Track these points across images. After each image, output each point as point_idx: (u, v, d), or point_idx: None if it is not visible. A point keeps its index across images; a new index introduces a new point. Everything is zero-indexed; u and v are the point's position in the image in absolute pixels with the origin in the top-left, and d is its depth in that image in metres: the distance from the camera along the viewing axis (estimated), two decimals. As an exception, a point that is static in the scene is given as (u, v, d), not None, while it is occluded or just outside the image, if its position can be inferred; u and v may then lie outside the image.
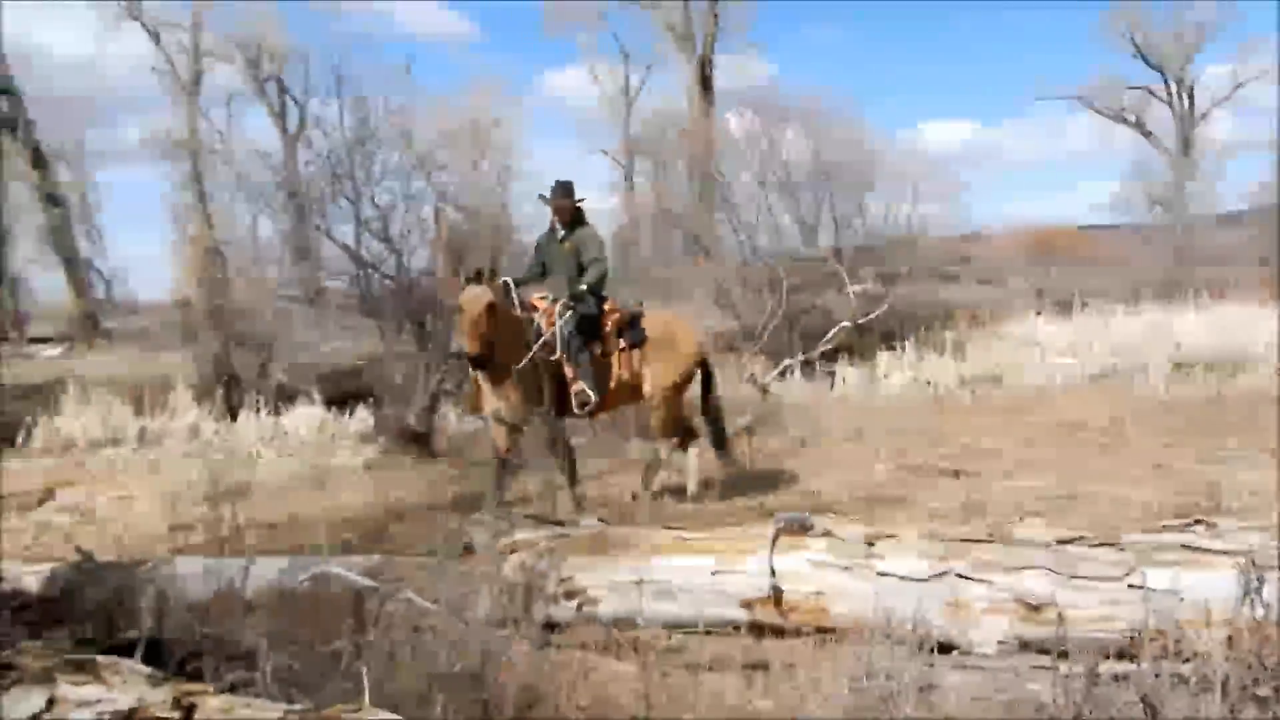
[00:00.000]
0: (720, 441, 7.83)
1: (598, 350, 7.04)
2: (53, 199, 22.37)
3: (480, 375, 6.63)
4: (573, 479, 6.92)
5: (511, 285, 6.91)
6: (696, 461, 7.57)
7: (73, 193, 23.12)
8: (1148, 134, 31.02)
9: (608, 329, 7.14)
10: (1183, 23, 30.55)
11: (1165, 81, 30.95)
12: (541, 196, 7.33)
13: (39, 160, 22.33)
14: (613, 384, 7.10)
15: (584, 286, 6.95)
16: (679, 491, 7.40)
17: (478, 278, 6.55)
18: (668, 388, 7.36)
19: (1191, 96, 30.71)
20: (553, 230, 7.26)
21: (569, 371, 6.88)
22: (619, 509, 6.47)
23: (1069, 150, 57.04)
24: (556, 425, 6.92)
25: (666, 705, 3.18)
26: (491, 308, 6.39)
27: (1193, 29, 30.50)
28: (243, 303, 12.70)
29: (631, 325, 7.26)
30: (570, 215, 7.16)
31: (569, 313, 6.92)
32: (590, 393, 6.89)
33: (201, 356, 13.82)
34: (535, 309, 6.98)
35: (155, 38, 22.44)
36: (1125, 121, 31.56)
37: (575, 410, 6.96)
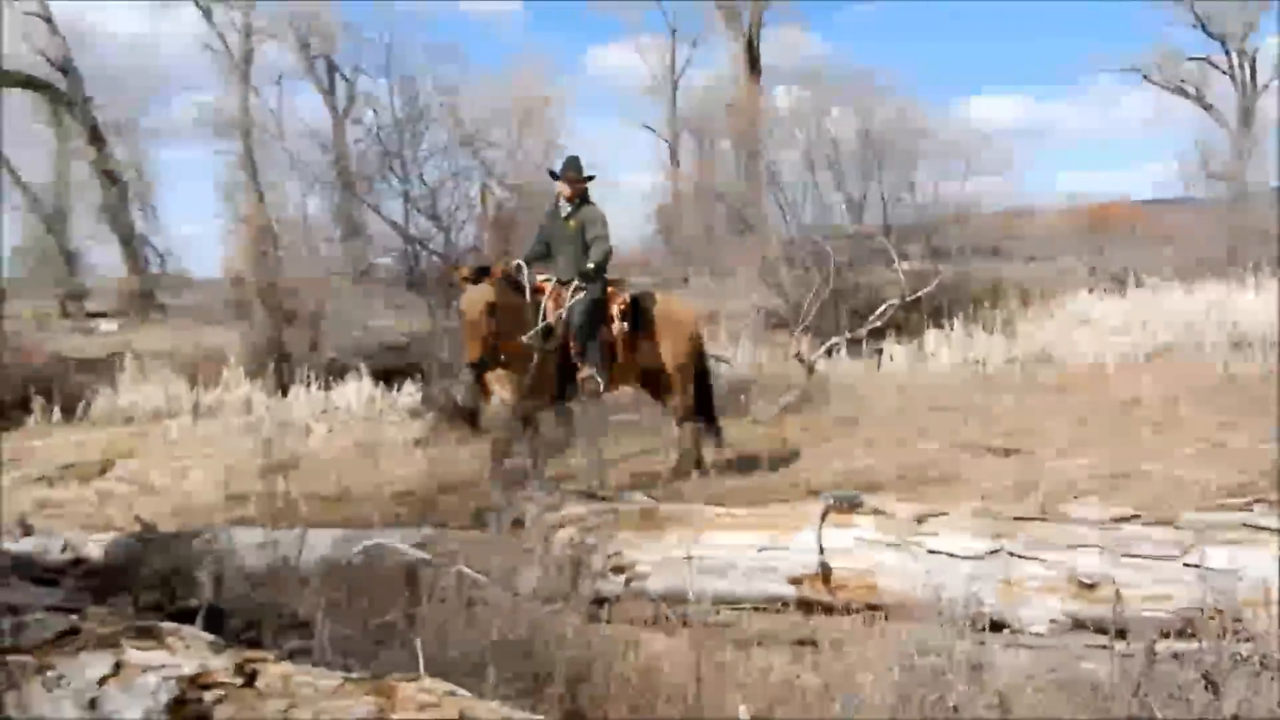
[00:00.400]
0: (710, 420, 7.74)
1: (604, 334, 6.94)
2: (110, 176, 22.77)
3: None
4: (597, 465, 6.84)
5: (524, 267, 6.83)
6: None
7: (129, 170, 23.48)
8: (1208, 107, 30.22)
9: (612, 312, 7.04)
10: (1245, -10, 29.65)
11: (1226, 52, 30.09)
12: (551, 172, 7.28)
13: (96, 137, 22.72)
14: (615, 368, 7.03)
15: (592, 265, 6.84)
16: (725, 469, 7.40)
17: (477, 276, 6.40)
18: (683, 368, 7.35)
19: (1254, 67, 29.85)
20: (557, 208, 7.14)
21: (575, 356, 6.79)
22: (666, 486, 6.50)
23: (1125, 123, 55.81)
24: (563, 411, 7.10)
25: (715, 680, 3.20)
26: (491, 308, 6.26)
27: (1255, -2, 29.58)
28: (294, 279, 12.86)
29: (634, 307, 7.17)
30: (578, 193, 7.05)
31: (579, 295, 6.81)
32: (599, 379, 6.81)
33: (254, 332, 14.05)
34: (541, 291, 6.83)
35: (208, 15, 22.68)
36: (1184, 94, 30.74)
37: (583, 396, 6.89)
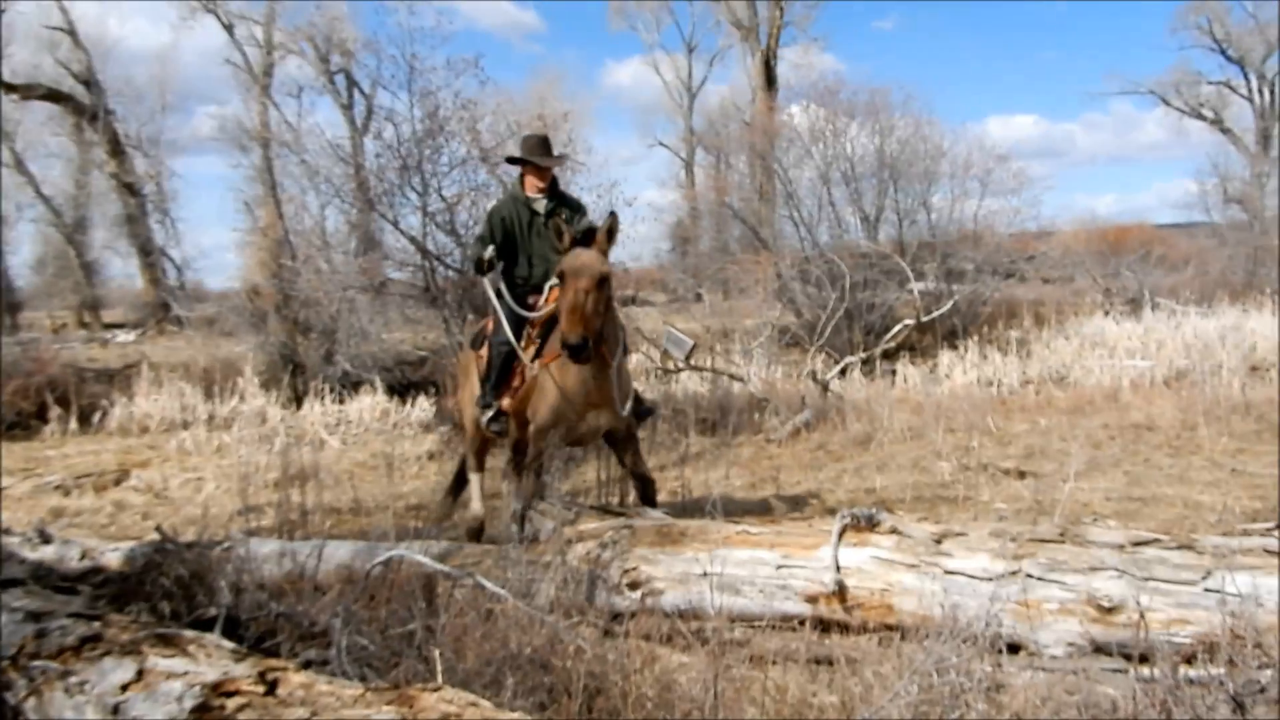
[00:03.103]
0: None
1: None
2: (129, 188, 22.97)
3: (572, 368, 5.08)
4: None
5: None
6: None
7: (148, 182, 23.68)
8: (1226, 131, 30.21)
9: None
10: (1264, 16, 29.69)
11: (1245, 76, 30.11)
12: (512, 159, 6.09)
13: (117, 150, 22.94)
14: None
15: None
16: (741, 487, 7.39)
17: (586, 239, 5.08)
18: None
19: (1273, 92, 29.84)
20: (522, 201, 5.85)
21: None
22: (682, 502, 6.50)
23: (1143, 146, 55.85)
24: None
25: (731, 698, 3.19)
26: (605, 281, 5.00)
27: (1275, 22, 29.60)
28: (310, 292, 12.92)
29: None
30: (549, 181, 5.88)
31: None
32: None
33: (269, 344, 14.12)
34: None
35: (229, 30, 22.91)
36: (1202, 117, 30.77)
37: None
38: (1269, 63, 29.81)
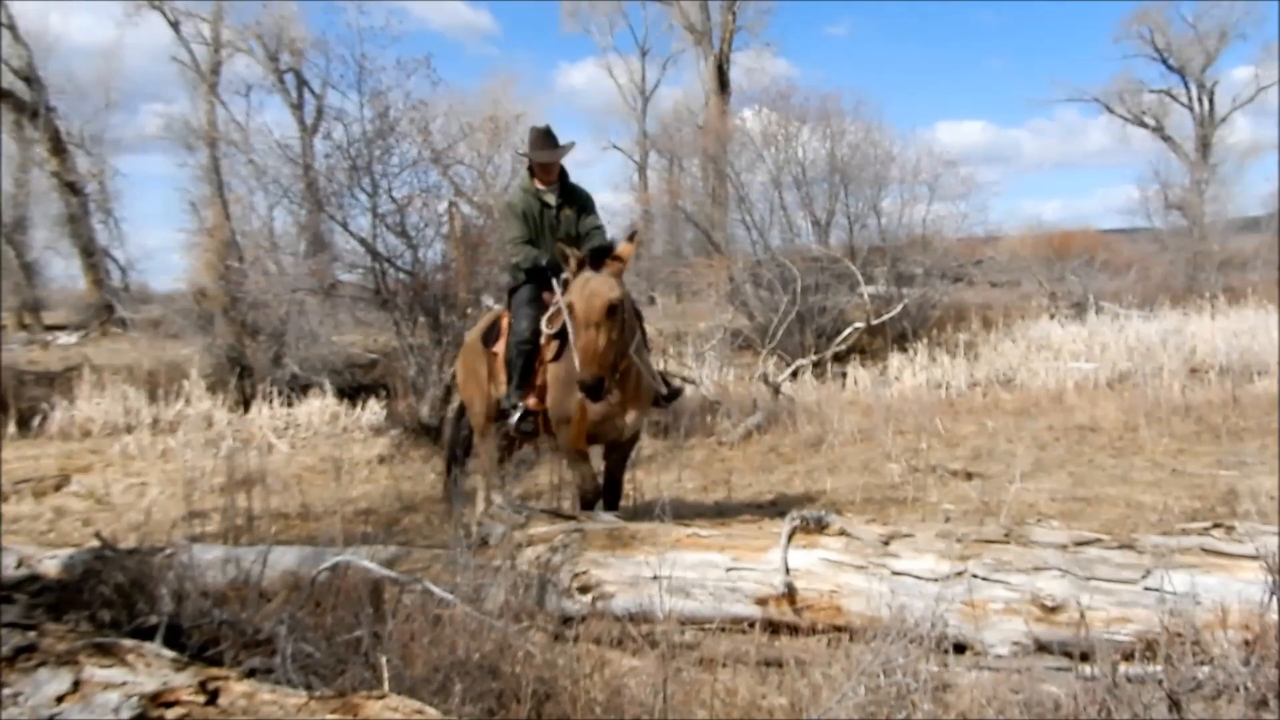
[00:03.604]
0: None
1: None
2: (71, 187, 22.47)
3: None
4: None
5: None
6: None
7: (91, 181, 23.19)
8: (1167, 138, 30.91)
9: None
10: (1204, 26, 30.46)
11: (1185, 85, 30.85)
12: (521, 153, 5.87)
13: (58, 147, 22.43)
14: None
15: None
16: (692, 490, 7.41)
17: (595, 260, 4.85)
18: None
19: (1212, 100, 30.60)
20: (533, 192, 5.76)
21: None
22: (634, 505, 6.49)
23: (1087, 152, 56.98)
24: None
25: (681, 701, 3.19)
26: (616, 309, 4.79)
27: (1214, 33, 30.40)
28: (258, 294, 12.74)
29: None
30: (558, 172, 5.79)
31: None
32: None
33: (216, 346, 13.90)
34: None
35: (175, 27, 22.49)
36: (1144, 125, 31.46)
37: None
38: (1208, 72, 30.60)
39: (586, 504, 5.32)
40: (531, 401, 5.54)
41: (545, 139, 5.70)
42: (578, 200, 5.77)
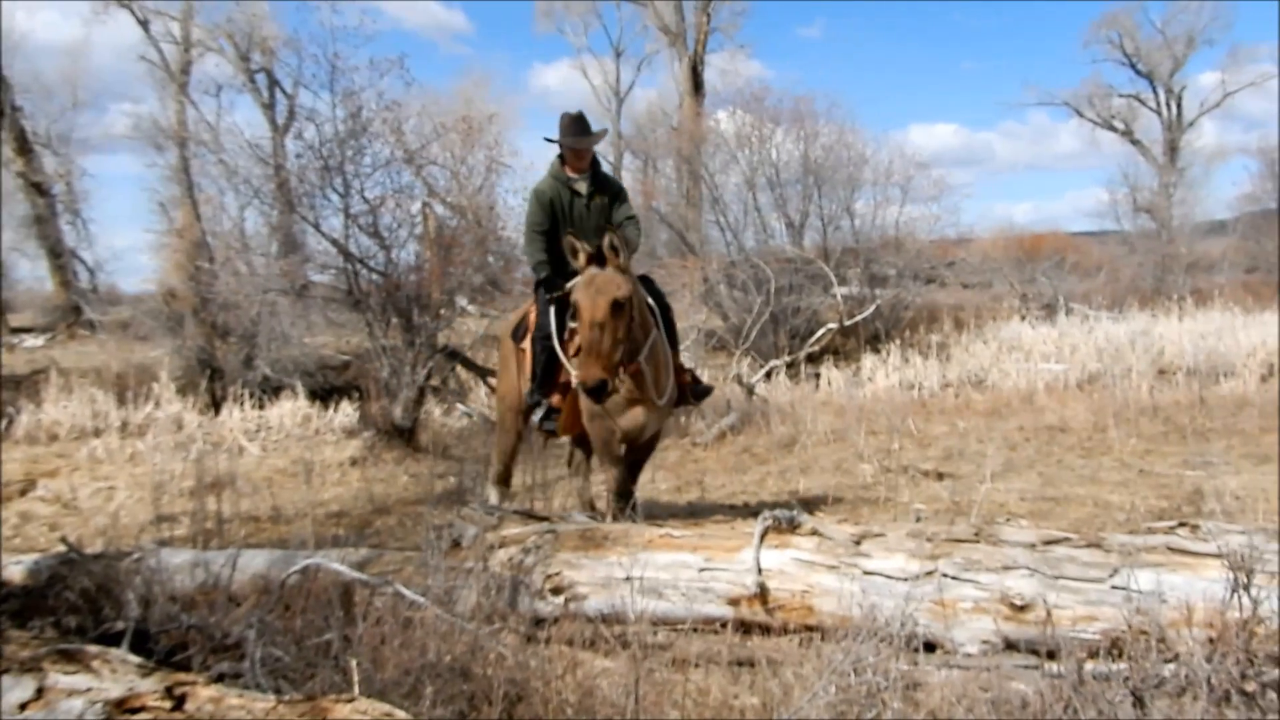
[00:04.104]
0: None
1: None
2: (38, 187, 22.18)
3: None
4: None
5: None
6: None
7: (58, 181, 22.91)
8: (1136, 142, 31.28)
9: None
10: (1171, 31, 30.85)
11: (1154, 90, 31.24)
12: (550, 139, 5.58)
13: (24, 147, 22.13)
14: None
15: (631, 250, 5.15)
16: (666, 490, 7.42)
17: (599, 256, 4.78)
18: None
19: (1180, 105, 31.00)
20: (563, 180, 5.53)
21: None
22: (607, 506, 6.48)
23: (1058, 155, 57.59)
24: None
25: (653, 701, 3.19)
26: (622, 306, 4.69)
27: (1181, 38, 30.79)
28: (229, 295, 12.63)
29: None
30: (590, 160, 5.55)
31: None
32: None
33: (186, 348, 13.77)
34: None
35: (144, 26, 22.21)
36: (1114, 129, 31.83)
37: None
38: (1176, 77, 31.00)
39: (616, 506, 5.22)
40: (555, 399, 5.45)
41: (577, 125, 5.49)
42: (610, 189, 5.58)
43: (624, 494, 5.30)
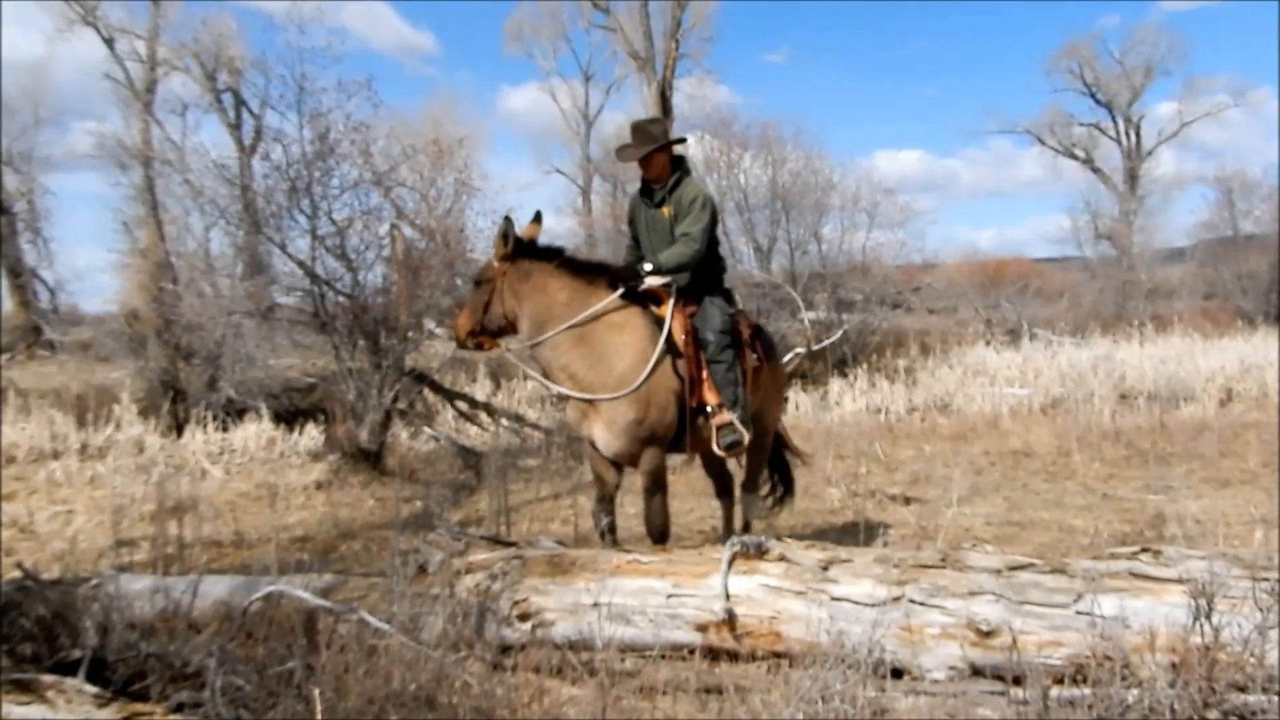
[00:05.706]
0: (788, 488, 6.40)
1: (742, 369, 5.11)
2: (-2, 205, 21.91)
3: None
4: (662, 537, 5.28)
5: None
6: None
7: (19, 199, 22.63)
8: (1096, 170, 31.84)
9: (745, 337, 5.27)
10: (1130, 62, 31.50)
11: (1113, 119, 31.85)
12: (620, 152, 5.30)
13: (-15, 165, 21.88)
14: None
15: (648, 267, 5.03)
16: (632, 516, 7.38)
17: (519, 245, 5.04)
18: (777, 426, 5.89)
19: (1139, 134, 31.62)
20: (646, 190, 5.28)
21: (709, 396, 4.98)
22: (575, 531, 6.46)
23: (1020, 182, 58.47)
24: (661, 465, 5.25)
25: (620, 729, 3.17)
26: (478, 285, 5.16)
27: (1140, 69, 31.44)
28: (193, 316, 12.48)
29: (758, 333, 5.49)
30: (666, 168, 5.15)
31: (712, 312, 5.03)
32: (742, 429, 5.00)
33: (148, 370, 13.58)
34: (663, 300, 5.04)
35: (109, 44, 22.04)
36: (1075, 157, 32.40)
37: (718, 450, 5.06)
38: (1134, 107, 31.64)
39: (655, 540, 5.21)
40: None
41: (634, 134, 5.17)
42: (678, 201, 5.10)
43: (659, 534, 5.38)
